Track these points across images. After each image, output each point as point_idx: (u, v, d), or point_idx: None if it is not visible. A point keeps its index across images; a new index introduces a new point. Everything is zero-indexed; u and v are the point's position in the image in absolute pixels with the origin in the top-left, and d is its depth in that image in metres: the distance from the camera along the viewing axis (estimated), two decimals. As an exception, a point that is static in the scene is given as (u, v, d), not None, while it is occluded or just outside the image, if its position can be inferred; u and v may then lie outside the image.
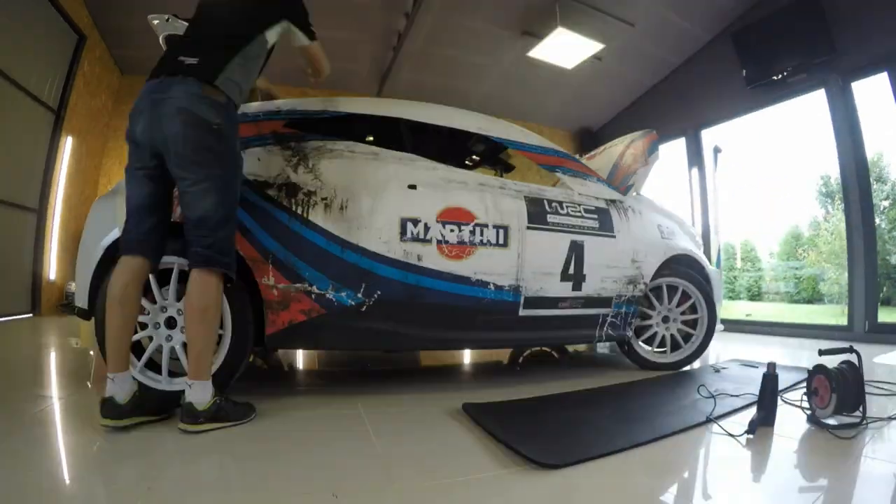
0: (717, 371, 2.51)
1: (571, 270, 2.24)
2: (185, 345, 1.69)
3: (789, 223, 7.22)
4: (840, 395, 1.53)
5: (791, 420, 1.65)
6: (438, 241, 1.96)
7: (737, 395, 1.93)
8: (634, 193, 2.70)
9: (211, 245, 1.43)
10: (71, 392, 1.85)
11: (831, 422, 1.53)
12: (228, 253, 1.48)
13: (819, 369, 1.61)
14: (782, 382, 2.09)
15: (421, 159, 2.07)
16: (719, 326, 2.74)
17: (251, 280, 1.74)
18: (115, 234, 1.71)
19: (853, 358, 1.60)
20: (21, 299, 4.57)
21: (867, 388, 1.65)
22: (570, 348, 3.48)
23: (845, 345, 1.67)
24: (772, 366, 1.60)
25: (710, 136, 5.99)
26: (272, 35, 1.62)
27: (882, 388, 2.07)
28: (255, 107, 2.00)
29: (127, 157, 1.50)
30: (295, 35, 1.72)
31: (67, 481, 1.08)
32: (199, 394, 1.43)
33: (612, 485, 1.16)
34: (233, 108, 1.52)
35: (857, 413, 1.56)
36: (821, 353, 1.66)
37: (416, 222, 1.93)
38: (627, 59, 6.02)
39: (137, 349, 1.71)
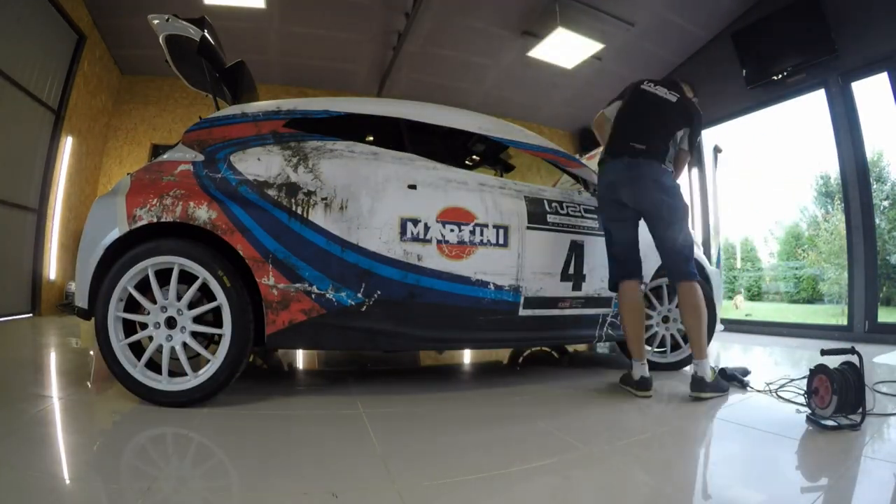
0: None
1: (571, 270, 2.24)
2: (185, 345, 1.70)
3: (789, 223, 7.22)
4: (841, 396, 1.53)
5: (790, 420, 1.65)
6: (438, 241, 1.96)
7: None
8: None
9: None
10: (71, 392, 1.85)
11: (830, 422, 1.53)
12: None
13: (820, 369, 1.61)
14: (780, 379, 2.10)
15: (421, 159, 2.07)
16: (719, 326, 2.74)
17: (251, 280, 1.74)
18: (116, 233, 1.71)
19: (854, 359, 1.59)
20: (21, 299, 4.57)
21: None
22: (570, 348, 3.48)
23: (847, 345, 1.67)
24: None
25: (710, 136, 5.99)
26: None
27: (880, 390, 2.07)
28: (255, 107, 2.00)
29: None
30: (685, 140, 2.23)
31: (67, 481, 1.08)
32: (706, 368, 1.92)
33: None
34: None
35: (857, 414, 1.55)
36: (823, 352, 1.66)
37: (416, 222, 1.93)
38: (627, 59, 6.01)
39: (137, 349, 1.72)
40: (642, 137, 2.07)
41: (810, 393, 1.63)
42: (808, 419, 1.59)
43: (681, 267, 2.03)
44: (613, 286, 2.16)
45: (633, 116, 2.18)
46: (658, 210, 2.03)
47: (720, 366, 2.30)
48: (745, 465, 1.31)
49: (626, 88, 2.28)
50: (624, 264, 2.13)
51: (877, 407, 1.81)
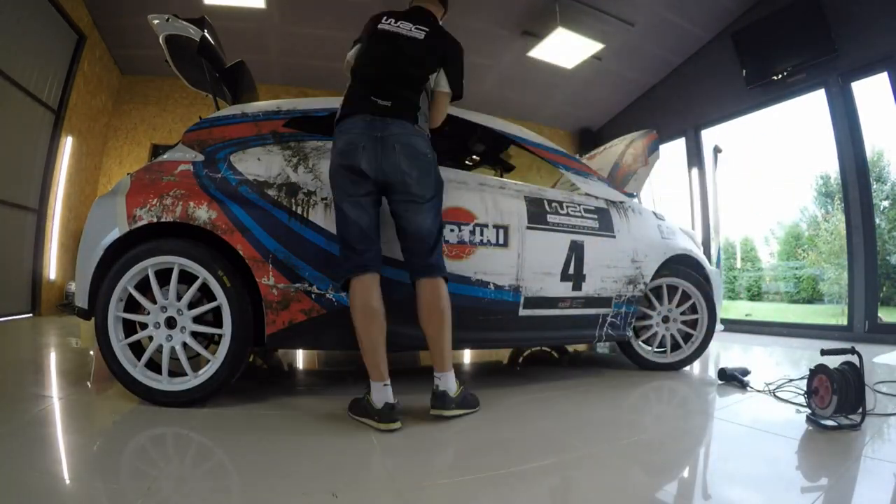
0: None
1: (571, 270, 2.24)
2: (185, 345, 1.70)
3: (789, 223, 7.22)
4: (841, 396, 1.53)
5: (790, 420, 1.65)
6: (438, 241, 1.95)
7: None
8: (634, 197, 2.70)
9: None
10: (71, 392, 1.85)
11: (830, 422, 1.53)
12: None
13: (820, 369, 1.61)
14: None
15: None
16: (719, 327, 2.74)
17: (251, 280, 1.74)
18: (116, 233, 1.71)
19: (854, 359, 1.59)
20: (21, 299, 4.57)
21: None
22: (570, 348, 3.48)
23: (847, 345, 1.67)
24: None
25: (710, 136, 5.99)
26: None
27: (880, 390, 2.08)
28: (255, 107, 2.00)
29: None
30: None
31: (67, 481, 1.08)
32: (451, 383, 1.64)
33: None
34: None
35: (858, 414, 1.55)
36: (823, 352, 1.66)
37: (416, 222, 1.92)
38: (627, 59, 6.02)
39: (137, 349, 1.72)
40: (385, 90, 1.66)
41: (810, 393, 1.63)
42: (808, 419, 1.59)
43: (424, 259, 1.65)
44: (344, 284, 1.63)
45: (373, 62, 1.73)
46: (405, 184, 1.61)
47: (720, 365, 2.30)
48: (746, 466, 1.31)
49: (365, 26, 1.83)
50: (360, 254, 1.60)
51: (877, 407, 1.81)
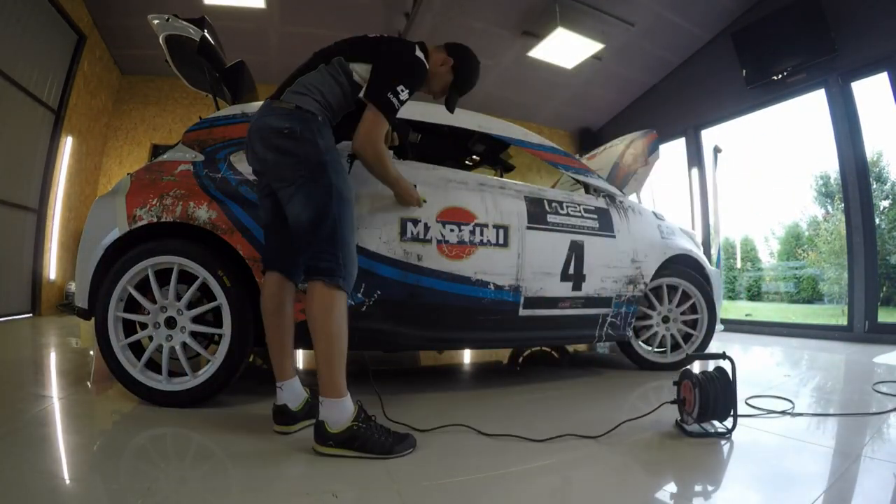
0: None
1: (571, 270, 2.24)
2: (185, 345, 1.70)
3: (789, 223, 7.22)
4: (703, 402, 1.46)
5: (792, 422, 1.65)
6: (438, 241, 1.95)
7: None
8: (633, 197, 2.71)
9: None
10: (71, 392, 1.85)
11: (695, 428, 1.50)
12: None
13: (685, 375, 1.55)
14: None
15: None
16: (719, 327, 2.74)
17: (251, 280, 1.74)
18: (116, 233, 1.71)
19: (727, 364, 1.52)
20: (21, 299, 4.57)
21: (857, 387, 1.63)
22: (570, 348, 3.48)
23: (719, 352, 1.59)
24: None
25: (710, 136, 5.99)
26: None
27: (880, 390, 2.08)
28: (255, 107, 2.00)
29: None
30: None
31: (67, 481, 1.08)
32: (333, 413, 1.29)
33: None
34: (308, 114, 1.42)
35: (727, 422, 1.50)
36: (688, 357, 1.58)
37: (416, 222, 1.93)
38: (627, 59, 6.02)
39: (137, 349, 1.72)
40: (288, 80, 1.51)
41: (682, 401, 1.56)
42: (676, 424, 1.54)
43: (304, 256, 1.40)
44: (263, 272, 1.55)
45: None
46: (264, 172, 1.46)
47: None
48: (747, 466, 1.31)
49: None
50: (268, 249, 1.55)
51: (877, 407, 1.81)
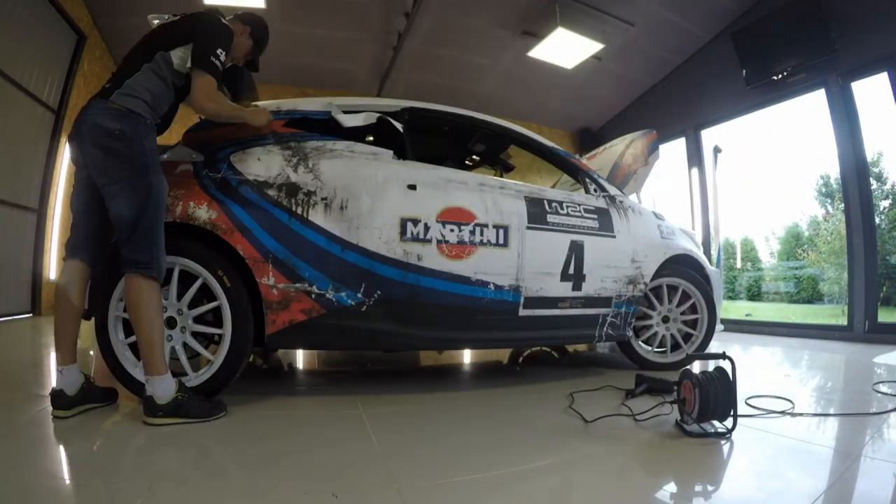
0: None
1: (571, 270, 2.24)
2: (185, 345, 1.70)
3: (789, 223, 7.23)
4: (703, 402, 1.46)
5: (793, 422, 1.65)
6: (438, 241, 1.96)
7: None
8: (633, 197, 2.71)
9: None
10: (71, 392, 1.84)
11: (695, 428, 1.49)
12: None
13: (686, 375, 1.55)
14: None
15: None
16: (719, 327, 2.74)
17: (251, 280, 1.74)
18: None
19: (727, 364, 1.52)
20: (21, 299, 4.57)
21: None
22: (570, 348, 3.48)
23: (719, 352, 1.58)
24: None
25: (710, 136, 5.99)
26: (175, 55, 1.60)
27: (880, 390, 2.08)
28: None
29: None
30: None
31: (67, 481, 1.08)
32: (159, 388, 1.47)
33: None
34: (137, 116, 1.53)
35: (727, 422, 1.50)
36: (688, 357, 1.58)
37: (416, 222, 1.93)
38: (627, 59, 6.02)
39: (137, 349, 1.71)
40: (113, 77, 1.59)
41: (682, 401, 1.55)
42: (676, 424, 1.54)
43: (126, 252, 1.49)
44: (65, 258, 1.67)
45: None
46: (93, 167, 1.50)
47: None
48: (747, 466, 1.31)
49: None
50: (75, 238, 1.65)
51: (877, 407, 1.81)
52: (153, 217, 1.51)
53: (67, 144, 1.58)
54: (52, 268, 4.92)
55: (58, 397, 1.49)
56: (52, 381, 1.61)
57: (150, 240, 1.51)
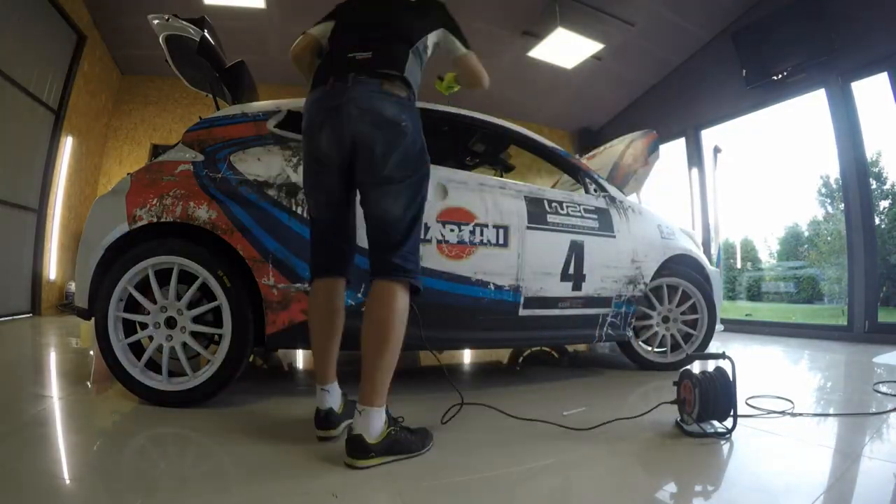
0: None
1: (571, 270, 2.24)
2: (185, 345, 1.70)
3: (789, 223, 7.23)
4: (703, 402, 1.46)
5: (794, 422, 1.65)
6: (438, 241, 1.96)
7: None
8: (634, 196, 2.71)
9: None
10: (71, 392, 1.85)
11: (695, 428, 1.49)
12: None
13: (685, 375, 1.55)
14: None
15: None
16: (719, 327, 2.74)
17: (251, 280, 1.74)
18: (116, 233, 1.71)
19: (727, 364, 1.52)
20: (21, 299, 4.57)
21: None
22: (570, 348, 3.48)
23: (719, 352, 1.59)
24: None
25: (710, 136, 5.99)
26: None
27: (880, 390, 2.08)
28: (255, 107, 2.00)
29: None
30: (452, 44, 1.55)
31: (67, 481, 1.08)
32: (374, 423, 1.20)
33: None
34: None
35: (727, 422, 1.50)
36: (688, 356, 1.58)
37: (416, 222, 1.92)
38: (627, 59, 6.01)
39: (138, 349, 1.72)
40: (368, 39, 1.38)
41: (682, 401, 1.56)
42: (676, 424, 1.54)
43: (386, 254, 1.29)
44: (310, 282, 1.47)
45: (352, 26, 1.47)
46: (370, 152, 1.27)
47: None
48: (747, 466, 1.31)
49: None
50: (321, 253, 1.44)
51: (877, 407, 1.81)
52: (421, 221, 1.37)
53: (313, 136, 1.32)
54: (52, 268, 4.92)
55: (327, 417, 1.38)
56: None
57: (417, 246, 1.34)
